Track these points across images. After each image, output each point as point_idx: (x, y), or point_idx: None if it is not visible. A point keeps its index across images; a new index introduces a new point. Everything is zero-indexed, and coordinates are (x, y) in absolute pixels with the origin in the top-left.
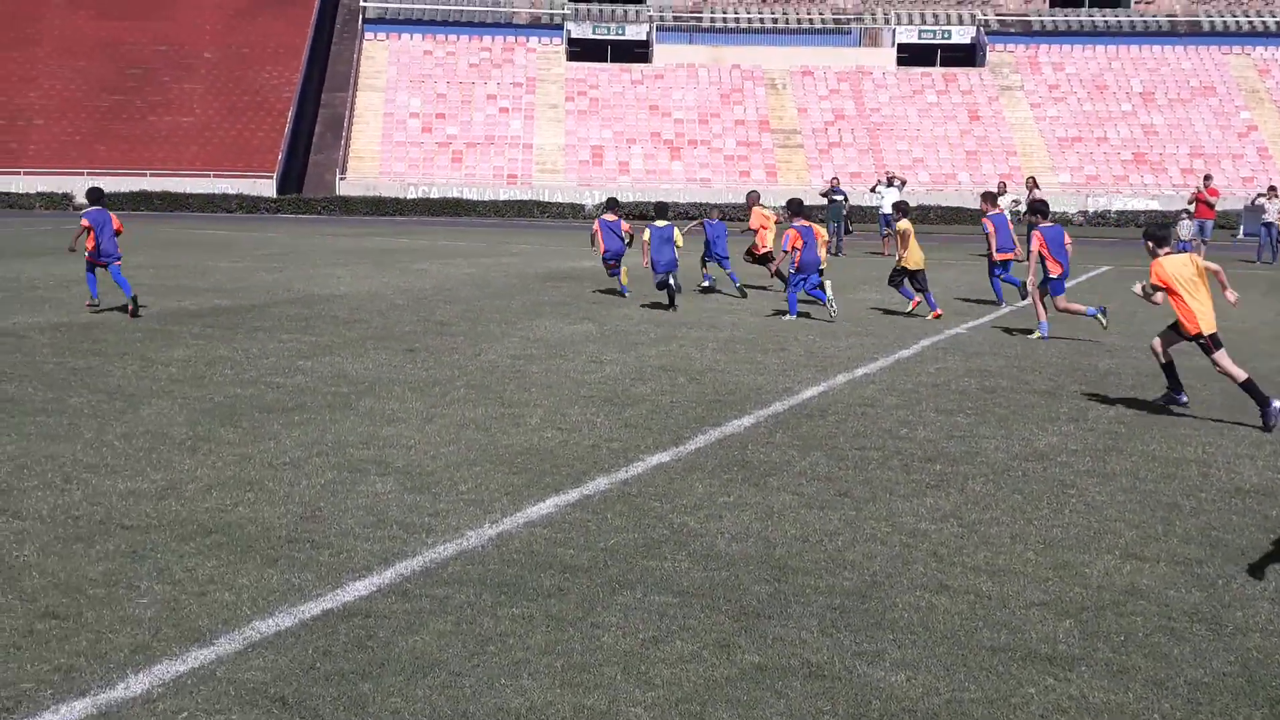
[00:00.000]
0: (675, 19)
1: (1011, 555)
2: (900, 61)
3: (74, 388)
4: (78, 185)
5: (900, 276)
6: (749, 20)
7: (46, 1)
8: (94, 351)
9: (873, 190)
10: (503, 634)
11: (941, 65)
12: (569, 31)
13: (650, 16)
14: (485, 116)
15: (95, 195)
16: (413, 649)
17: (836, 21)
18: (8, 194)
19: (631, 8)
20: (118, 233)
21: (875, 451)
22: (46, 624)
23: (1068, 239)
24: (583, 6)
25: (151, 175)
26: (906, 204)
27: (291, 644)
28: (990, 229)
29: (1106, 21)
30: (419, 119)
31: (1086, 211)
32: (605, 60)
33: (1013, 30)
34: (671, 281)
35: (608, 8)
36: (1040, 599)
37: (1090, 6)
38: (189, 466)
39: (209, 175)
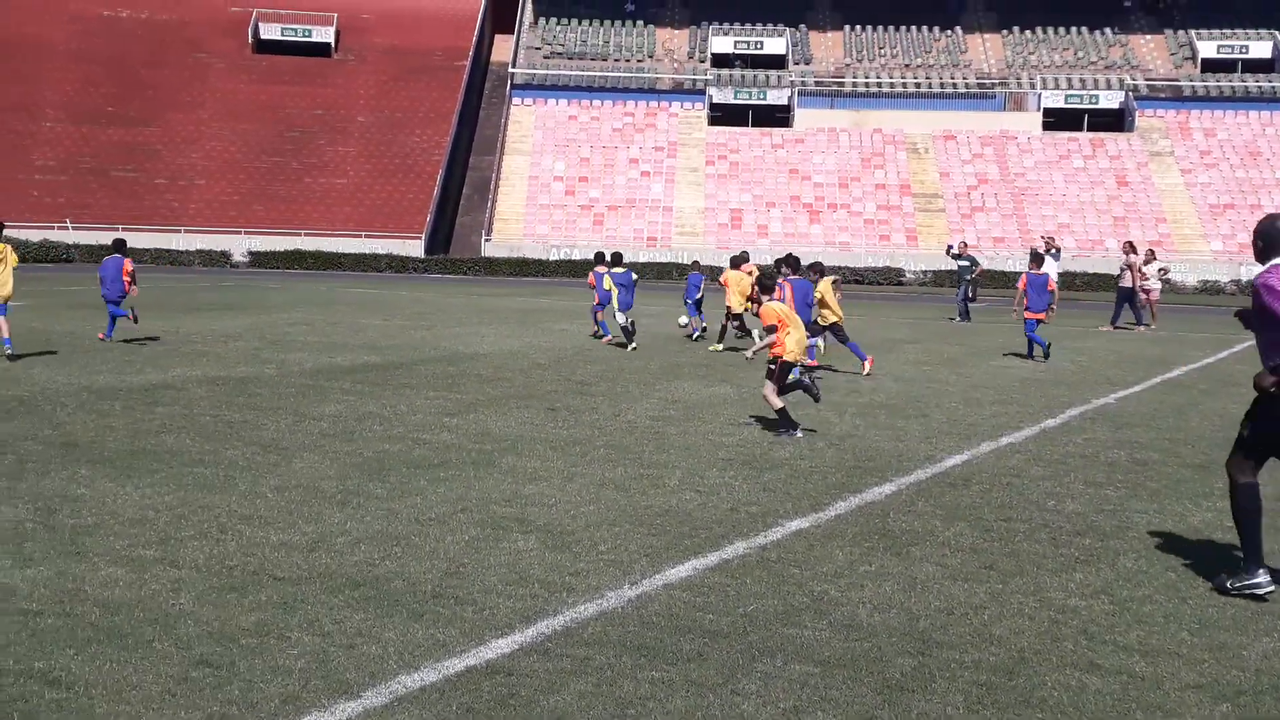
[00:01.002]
0: (817, 84)
1: (1165, 635)
2: (1046, 126)
3: (230, 440)
4: (235, 244)
5: (823, 331)
6: (891, 85)
7: (211, 67)
8: (249, 405)
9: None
10: (643, 697)
11: (1089, 130)
12: (711, 97)
13: (792, 82)
14: (627, 180)
15: (118, 245)
16: (554, 709)
17: (981, 86)
18: (169, 251)
19: (774, 73)
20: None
21: (1022, 523)
22: (201, 671)
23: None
24: (725, 73)
25: (306, 235)
26: (821, 264)
27: (436, 699)
28: (1022, 285)
29: (1260, 87)
30: (563, 182)
31: (1239, 280)
32: (746, 125)
33: (1162, 95)
34: (630, 324)
35: (750, 73)
36: (1196, 681)
37: (1243, 72)
38: (339, 520)
39: (360, 235)
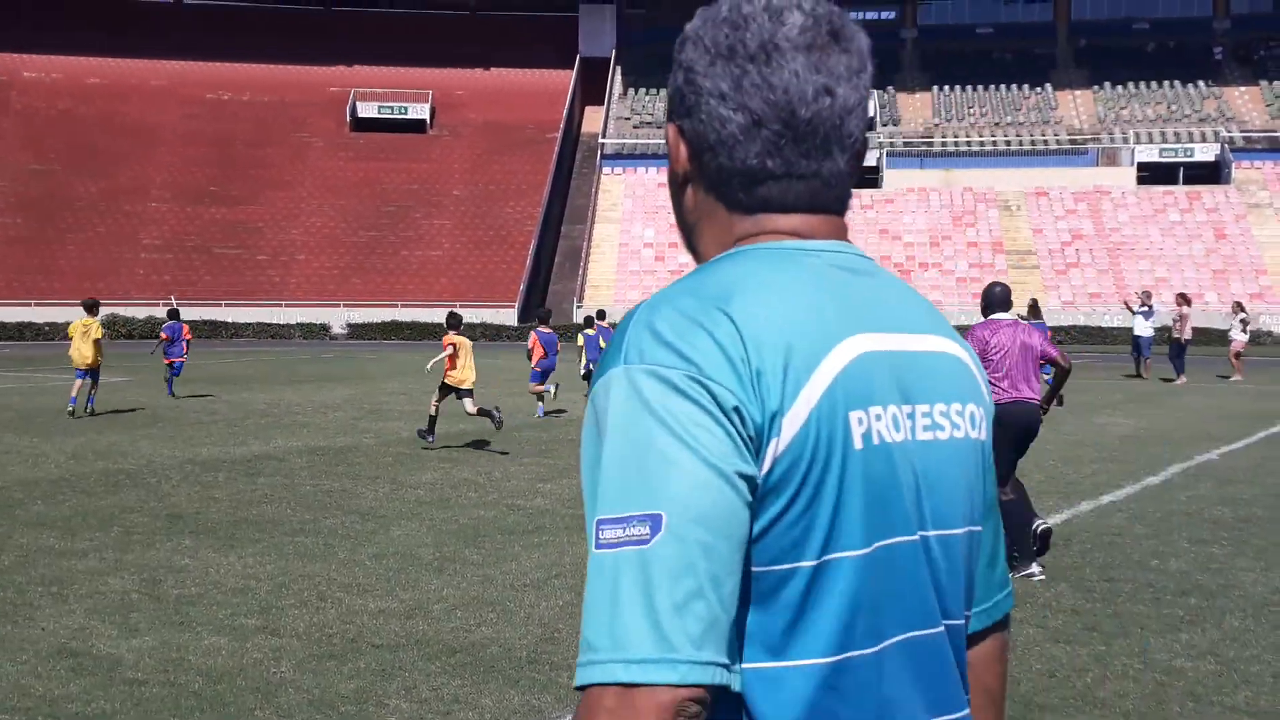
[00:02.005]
0: (905, 144)
1: (1275, 696)
2: (1140, 180)
3: (329, 509)
4: (334, 316)
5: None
6: (981, 144)
7: (311, 146)
8: (348, 474)
9: (1135, 311)
10: None
11: (1185, 184)
12: None
13: (880, 143)
14: None
15: (173, 314)
16: None
17: (1073, 142)
18: (270, 324)
19: None
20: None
21: (1125, 584)
22: None
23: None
24: None
25: (402, 306)
26: (457, 315)
27: None
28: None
29: None
30: (652, 248)
31: None
32: None
33: (1259, 147)
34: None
35: None
36: None
37: None
38: (435, 586)
39: (456, 305)
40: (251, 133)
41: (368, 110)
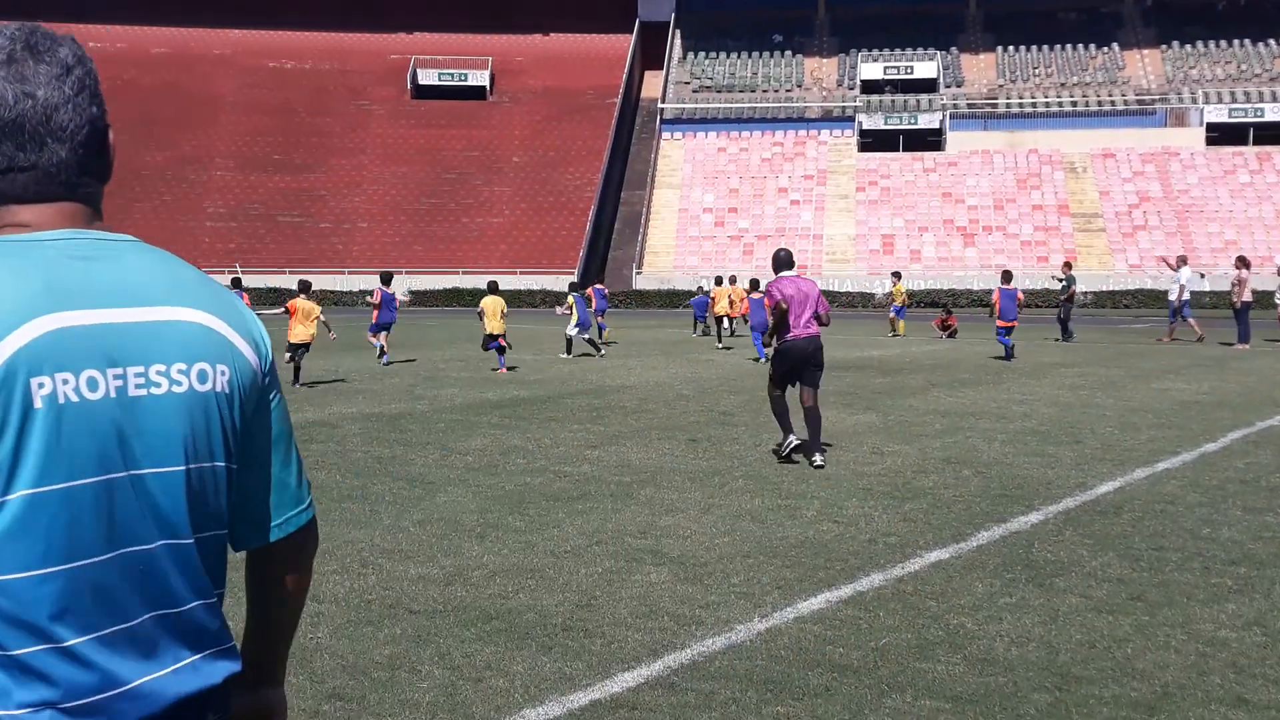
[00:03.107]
0: (969, 106)
1: None
2: (1209, 141)
3: (378, 475)
4: (396, 284)
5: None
6: (1047, 105)
7: (372, 114)
8: (399, 441)
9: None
10: None
11: (1255, 144)
12: (861, 123)
13: (944, 105)
14: (776, 209)
15: (235, 283)
16: None
17: (1140, 103)
18: (333, 292)
19: (924, 97)
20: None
21: (1174, 553)
22: (332, 705)
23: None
24: (875, 98)
25: (463, 273)
26: (307, 283)
27: None
28: (997, 298)
29: None
30: (712, 214)
31: None
32: (897, 150)
33: None
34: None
35: (900, 98)
36: None
37: None
38: (476, 553)
39: (515, 272)
40: (313, 101)
41: (428, 78)
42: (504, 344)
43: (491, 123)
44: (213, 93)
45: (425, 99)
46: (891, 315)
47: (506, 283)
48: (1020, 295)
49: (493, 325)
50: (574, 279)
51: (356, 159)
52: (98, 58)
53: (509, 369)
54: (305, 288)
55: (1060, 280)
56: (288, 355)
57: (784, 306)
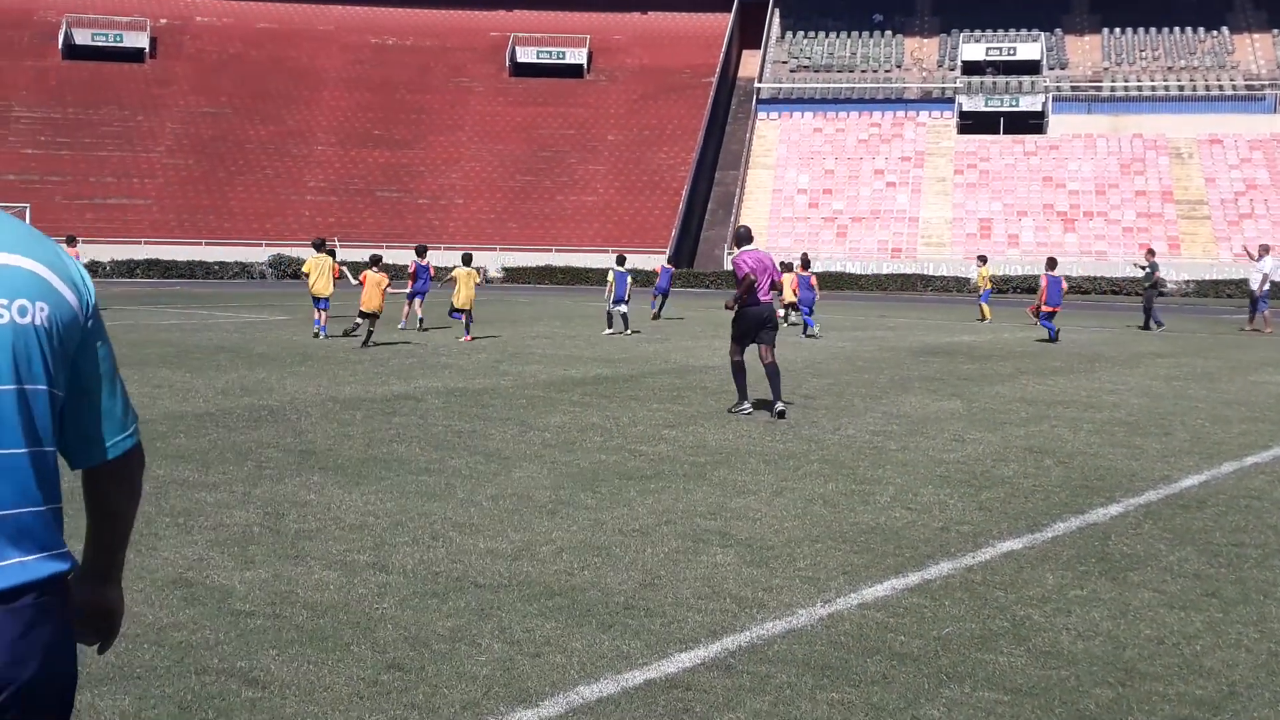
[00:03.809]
0: (1073, 89)
1: None
2: None
3: (456, 450)
4: (490, 260)
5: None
6: (1153, 89)
7: (471, 90)
8: (480, 416)
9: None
10: (819, 719)
11: None
12: (961, 105)
13: (1046, 87)
14: (872, 191)
15: (421, 251)
16: None
17: (1249, 88)
18: (446, 266)
19: (1027, 79)
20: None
21: (1254, 549)
22: (391, 675)
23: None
24: (976, 80)
25: (556, 251)
26: (378, 256)
27: (612, 711)
28: (1044, 284)
29: None
30: (806, 195)
31: None
32: (997, 132)
33: None
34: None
35: (1001, 80)
36: None
37: None
38: (546, 529)
39: (608, 251)
40: (413, 77)
41: (526, 55)
42: (469, 315)
43: (588, 101)
44: (316, 68)
45: (523, 76)
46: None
47: (598, 261)
48: (1064, 283)
49: (461, 297)
50: (621, 253)
51: (454, 135)
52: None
53: (473, 339)
54: (375, 261)
55: (1142, 268)
56: (357, 321)
57: (752, 279)
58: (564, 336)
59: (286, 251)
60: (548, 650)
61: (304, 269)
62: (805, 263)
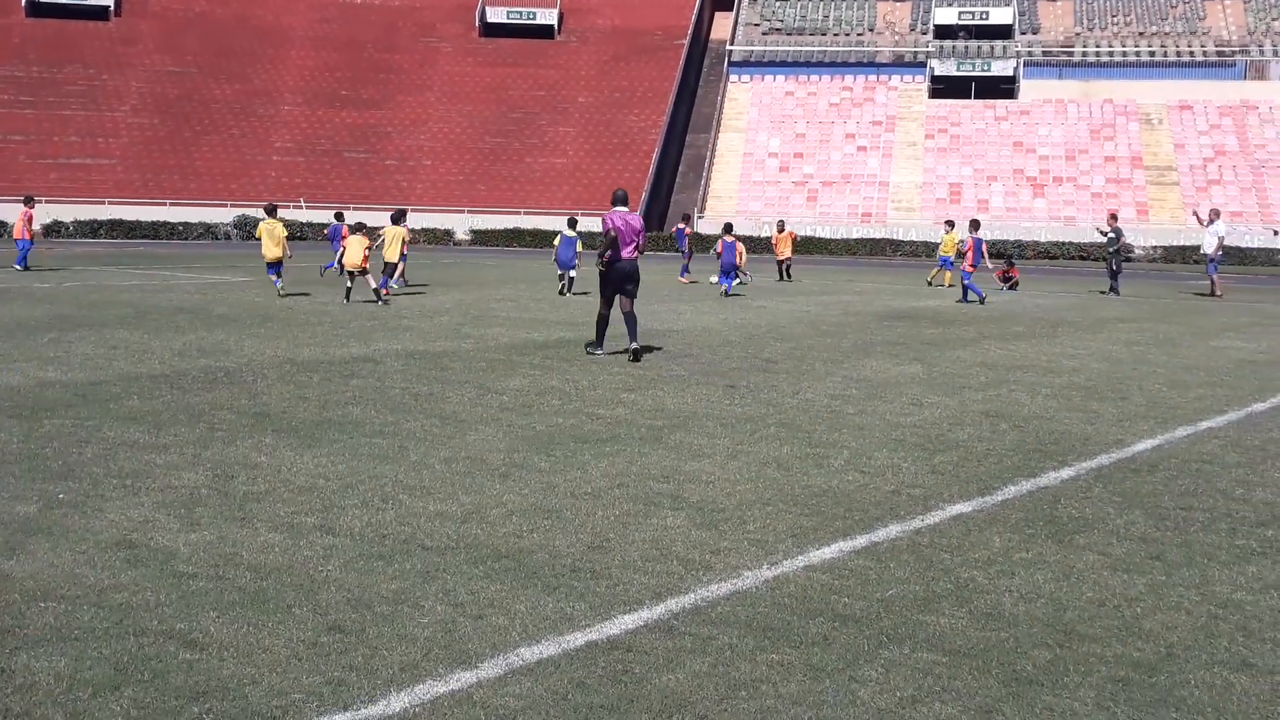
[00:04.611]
0: (1045, 54)
1: None
2: None
3: (412, 412)
4: (459, 222)
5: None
6: (1124, 54)
7: (440, 50)
8: (439, 379)
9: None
10: (757, 680)
11: None
12: (932, 69)
13: (1018, 52)
14: (843, 155)
15: (398, 216)
16: (664, 688)
17: (1220, 54)
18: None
19: (999, 44)
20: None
21: (1202, 513)
22: (331, 637)
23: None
24: (948, 44)
25: (525, 213)
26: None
27: (550, 673)
28: (969, 246)
29: None
30: (777, 158)
31: None
32: (968, 97)
33: None
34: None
35: (974, 44)
36: None
37: None
38: (497, 492)
39: (579, 213)
40: (381, 36)
41: (496, 15)
42: (395, 271)
43: (558, 62)
44: (282, 26)
45: (493, 37)
46: (939, 267)
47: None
48: (985, 245)
49: (389, 253)
50: (573, 216)
51: (423, 96)
52: None
53: (388, 293)
54: (359, 227)
55: (1104, 233)
56: (349, 285)
57: (612, 235)
58: (529, 300)
59: (252, 213)
60: (491, 612)
61: (256, 233)
62: (728, 229)
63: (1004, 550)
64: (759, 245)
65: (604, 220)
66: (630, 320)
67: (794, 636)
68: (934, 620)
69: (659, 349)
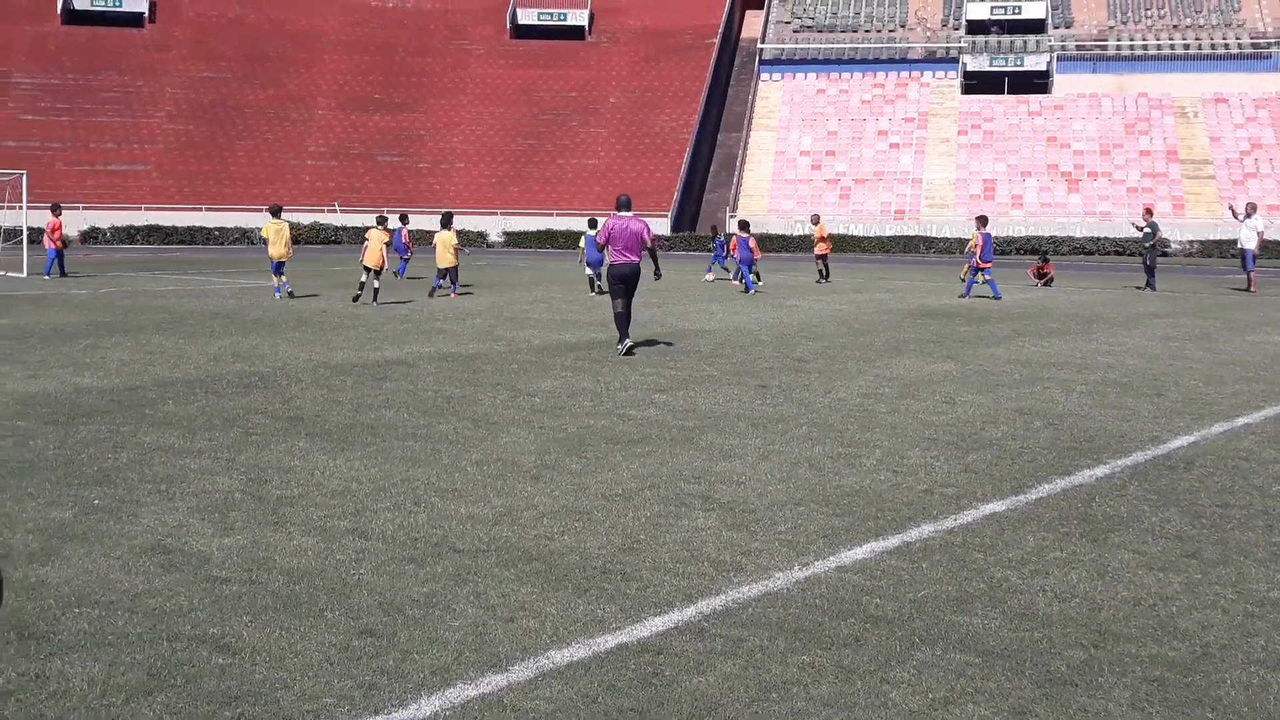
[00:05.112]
0: (1078, 47)
1: None
2: None
3: (445, 415)
4: (491, 224)
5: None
6: (1159, 47)
7: (471, 53)
8: (471, 381)
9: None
10: (788, 682)
11: None
12: (965, 65)
13: (1051, 46)
14: (875, 152)
15: (404, 218)
16: (695, 690)
17: (1255, 46)
18: (430, 232)
19: (1032, 38)
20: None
21: (1238, 510)
22: (363, 641)
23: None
24: (980, 39)
25: (557, 215)
26: (384, 218)
27: (581, 676)
28: (979, 242)
29: None
30: (809, 156)
31: None
32: (1002, 92)
33: None
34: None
35: (1006, 39)
36: None
37: None
38: (529, 494)
39: (609, 215)
40: (413, 40)
41: (527, 17)
42: (450, 277)
43: (589, 63)
44: (315, 31)
45: (524, 39)
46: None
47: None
48: (991, 240)
49: (444, 259)
50: (593, 217)
51: (455, 99)
52: None
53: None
54: (381, 221)
55: (1140, 228)
56: (362, 281)
57: (600, 242)
58: (561, 301)
59: (288, 217)
60: (521, 615)
61: (262, 233)
62: (744, 226)
63: (1038, 549)
64: (791, 244)
65: (605, 226)
66: (626, 319)
67: (825, 638)
68: (967, 621)
69: (691, 349)
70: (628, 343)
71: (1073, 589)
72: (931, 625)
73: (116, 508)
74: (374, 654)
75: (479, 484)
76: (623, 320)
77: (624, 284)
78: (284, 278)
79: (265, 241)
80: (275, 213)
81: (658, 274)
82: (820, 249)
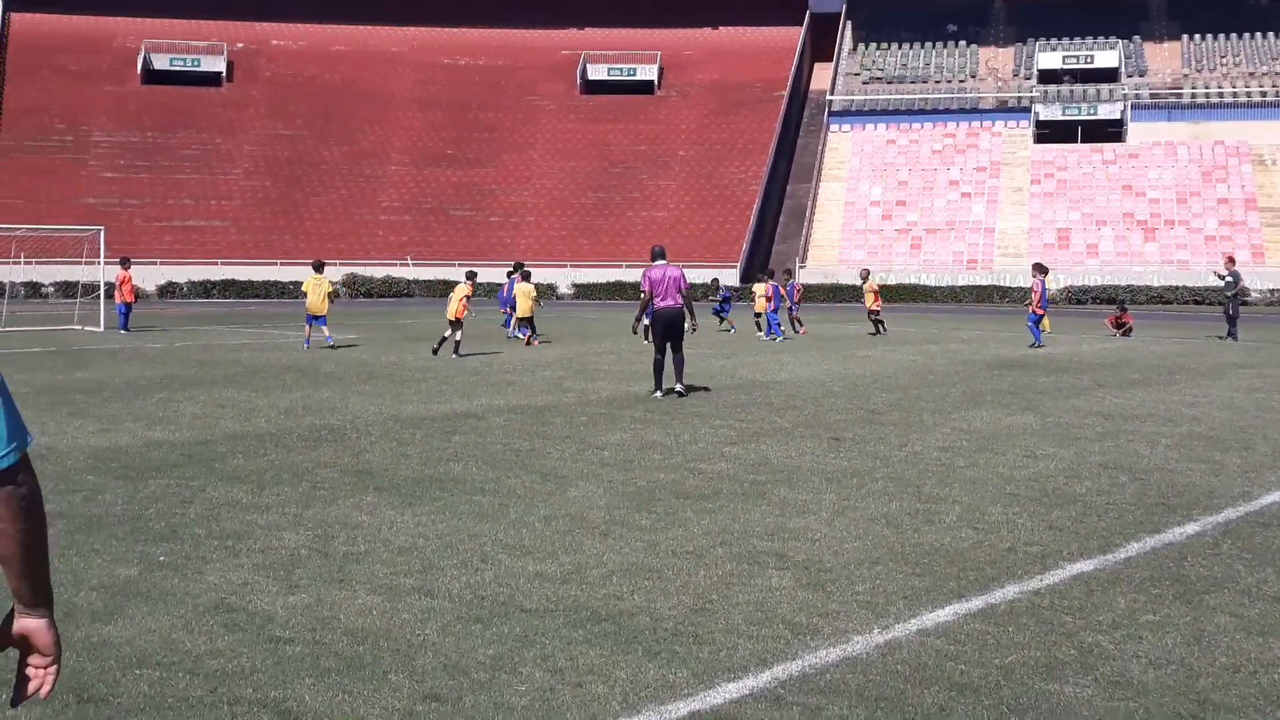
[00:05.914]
0: (1152, 96)
1: None
2: None
3: (513, 468)
4: (561, 276)
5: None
6: (1234, 95)
7: (542, 108)
8: (540, 434)
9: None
10: None
11: None
12: (1037, 114)
13: (1125, 95)
14: (946, 202)
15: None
16: None
17: None
18: (501, 284)
19: (1105, 87)
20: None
21: None
22: (427, 706)
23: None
24: (1052, 88)
25: (627, 266)
26: (474, 273)
27: None
28: (1038, 289)
29: None
30: (879, 206)
31: None
32: (1075, 141)
33: None
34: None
35: (1079, 88)
36: None
37: None
38: (597, 551)
39: (679, 266)
40: (484, 96)
41: (597, 72)
42: (530, 325)
43: (659, 116)
44: (389, 89)
45: (594, 93)
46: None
47: None
48: (1046, 285)
49: (524, 308)
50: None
51: (526, 154)
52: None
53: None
54: (471, 276)
55: (1223, 277)
56: (444, 335)
57: (645, 295)
58: (630, 352)
59: (361, 271)
60: (590, 679)
61: (303, 288)
62: (786, 273)
63: (1129, 612)
64: (861, 294)
65: (646, 275)
66: (678, 363)
67: (909, 707)
68: (1057, 689)
69: (762, 401)
70: (663, 391)
71: (1168, 655)
72: (1021, 694)
73: (182, 564)
74: None
75: (547, 540)
76: (660, 367)
77: (671, 328)
78: (326, 330)
79: (304, 295)
80: (318, 268)
81: (693, 325)
82: (872, 303)
